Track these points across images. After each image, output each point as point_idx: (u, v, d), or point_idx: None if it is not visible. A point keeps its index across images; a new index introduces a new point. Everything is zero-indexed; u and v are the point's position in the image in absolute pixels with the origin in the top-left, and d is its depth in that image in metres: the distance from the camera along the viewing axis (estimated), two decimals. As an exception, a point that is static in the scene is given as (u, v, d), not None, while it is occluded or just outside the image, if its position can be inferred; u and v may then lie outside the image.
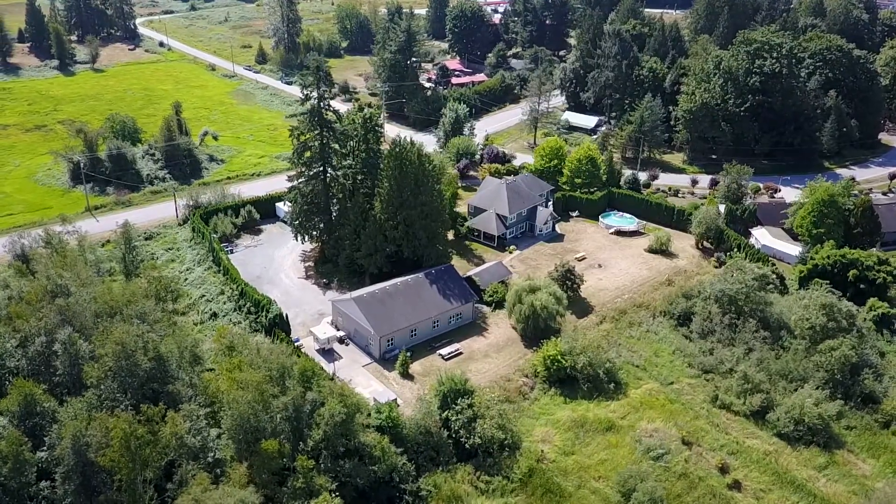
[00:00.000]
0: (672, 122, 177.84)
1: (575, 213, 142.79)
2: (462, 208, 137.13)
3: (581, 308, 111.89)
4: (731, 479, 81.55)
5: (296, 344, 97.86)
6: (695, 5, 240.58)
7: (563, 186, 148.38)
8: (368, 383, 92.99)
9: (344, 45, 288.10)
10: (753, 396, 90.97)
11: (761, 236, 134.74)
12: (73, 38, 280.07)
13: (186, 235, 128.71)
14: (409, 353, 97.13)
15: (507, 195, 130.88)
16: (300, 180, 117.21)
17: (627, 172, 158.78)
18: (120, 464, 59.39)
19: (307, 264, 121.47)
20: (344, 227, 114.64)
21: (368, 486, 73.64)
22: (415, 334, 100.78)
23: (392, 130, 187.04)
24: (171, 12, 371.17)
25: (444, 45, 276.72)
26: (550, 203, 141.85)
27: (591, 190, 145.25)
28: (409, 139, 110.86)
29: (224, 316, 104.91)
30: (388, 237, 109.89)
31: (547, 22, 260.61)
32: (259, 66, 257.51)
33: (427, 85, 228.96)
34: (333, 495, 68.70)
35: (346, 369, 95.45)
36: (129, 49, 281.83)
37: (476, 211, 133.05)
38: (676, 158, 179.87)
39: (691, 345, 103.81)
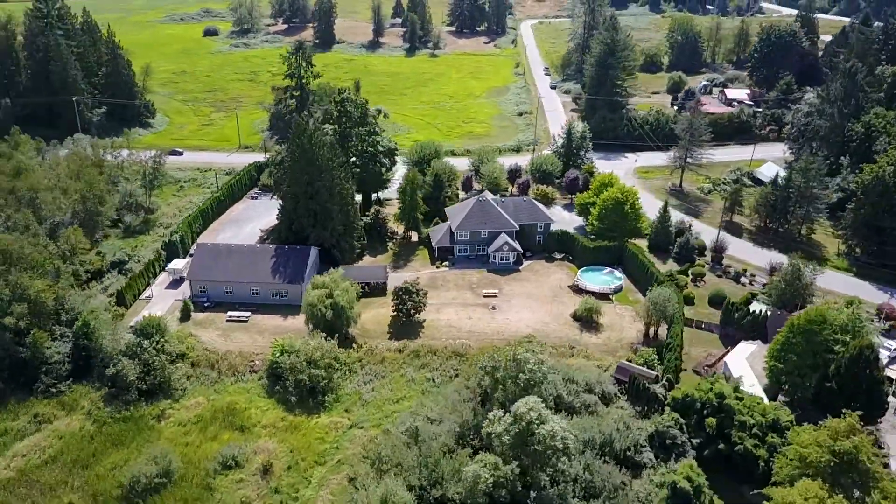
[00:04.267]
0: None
1: (560, 256, 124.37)
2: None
3: (404, 331, 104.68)
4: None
5: (165, 268, 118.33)
6: None
7: (587, 227, 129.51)
8: (157, 308, 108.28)
9: (665, 60, 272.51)
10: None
11: (739, 354, 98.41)
12: (452, 28, 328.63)
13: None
14: (209, 304, 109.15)
15: (469, 212, 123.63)
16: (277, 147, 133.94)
17: (707, 236, 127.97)
18: None
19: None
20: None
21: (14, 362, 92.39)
22: (230, 293, 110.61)
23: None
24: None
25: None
26: (541, 237, 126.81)
27: (627, 238, 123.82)
28: (312, 125, 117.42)
29: (173, 234, 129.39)
30: (285, 208, 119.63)
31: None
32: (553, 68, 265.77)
33: (669, 108, 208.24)
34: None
35: (163, 295, 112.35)
36: (485, 42, 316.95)
37: (448, 220, 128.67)
38: (834, 244, 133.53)
39: (440, 405, 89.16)
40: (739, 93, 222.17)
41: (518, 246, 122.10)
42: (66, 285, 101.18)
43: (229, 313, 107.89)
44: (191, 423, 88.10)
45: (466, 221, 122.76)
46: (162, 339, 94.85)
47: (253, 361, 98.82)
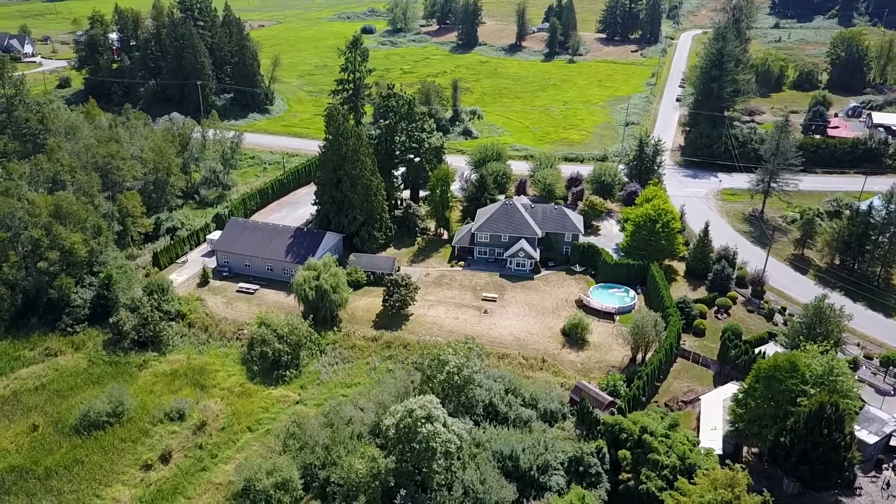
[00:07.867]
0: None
1: (581, 269, 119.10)
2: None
3: (388, 322, 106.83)
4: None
5: (207, 238, 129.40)
6: None
7: (619, 244, 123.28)
8: (186, 272, 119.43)
9: (823, 78, 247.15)
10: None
11: (717, 395, 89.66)
12: (602, 35, 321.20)
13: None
14: (227, 273, 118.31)
15: (492, 215, 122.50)
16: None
17: (771, 269, 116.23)
18: None
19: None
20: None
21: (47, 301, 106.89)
22: (249, 266, 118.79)
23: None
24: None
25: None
26: (567, 248, 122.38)
27: (662, 258, 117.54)
28: (343, 112, 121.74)
29: (224, 208, 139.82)
30: (318, 192, 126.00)
31: None
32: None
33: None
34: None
35: (197, 261, 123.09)
36: (632, 51, 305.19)
37: (476, 220, 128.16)
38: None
39: (389, 397, 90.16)
40: (890, 118, 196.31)
41: (536, 254, 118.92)
42: (104, 241, 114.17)
43: (240, 285, 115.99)
44: (163, 376, 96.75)
45: (488, 224, 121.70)
46: (161, 298, 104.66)
47: (241, 330, 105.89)
